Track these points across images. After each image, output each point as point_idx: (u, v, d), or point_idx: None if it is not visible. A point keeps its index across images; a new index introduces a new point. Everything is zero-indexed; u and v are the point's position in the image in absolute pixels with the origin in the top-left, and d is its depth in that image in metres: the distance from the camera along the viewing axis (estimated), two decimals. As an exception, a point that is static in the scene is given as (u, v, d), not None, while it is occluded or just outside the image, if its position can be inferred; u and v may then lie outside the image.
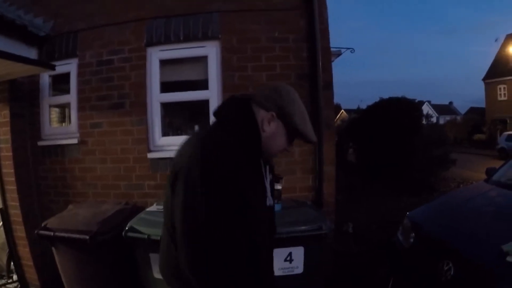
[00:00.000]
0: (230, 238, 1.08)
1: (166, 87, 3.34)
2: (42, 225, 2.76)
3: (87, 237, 2.51)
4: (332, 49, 4.15)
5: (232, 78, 3.13)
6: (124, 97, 3.29)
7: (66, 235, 2.61)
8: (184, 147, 1.18)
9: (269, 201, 1.32)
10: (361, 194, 6.56)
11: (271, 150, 1.26)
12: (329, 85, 3.17)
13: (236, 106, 1.27)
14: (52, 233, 2.65)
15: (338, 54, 7.02)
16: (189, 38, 3.21)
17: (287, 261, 2.39)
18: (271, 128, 1.22)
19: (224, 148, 1.11)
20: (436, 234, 2.60)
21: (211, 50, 3.20)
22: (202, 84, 3.26)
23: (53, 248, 2.78)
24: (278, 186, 2.59)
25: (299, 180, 3.15)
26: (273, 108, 1.21)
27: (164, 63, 3.32)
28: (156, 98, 3.28)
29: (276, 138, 1.24)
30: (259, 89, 1.34)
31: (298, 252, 2.39)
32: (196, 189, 1.06)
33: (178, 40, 3.23)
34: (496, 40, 32.07)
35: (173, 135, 3.44)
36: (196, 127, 3.54)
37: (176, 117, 3.76)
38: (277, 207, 2.53)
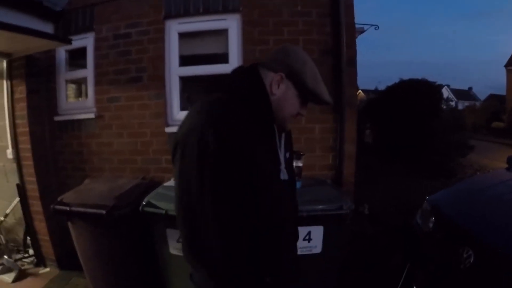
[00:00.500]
0: (235, 216, 1.02)
1: (185, 61, 3.28)
2: (58, 199, 2.74)
3: (104, 211, 2.50)
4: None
5: (253, 52, 3.05)
6: (142, 71, 3.24)
7: (82, 209, 2.59)
8: (185, 118, 1.10)
9: (283, 175, 1.22)
10: (377, 175, 6.45)
11: (283, 114, 1.18)
12: (352, 61, 3.06)
13: (241, 73, 1.21)
14: (68, 208, 2.63)
15: (361, 31, 6.78)
16: (208, 10, 3.12)
17: (306, 240, 2.35)
18: (280, 90, 1.16)
19: (227, 112, 1.04)
20: (457, 220, 2.52)
21: (231, 23, 3.11)
22: (222, 58, 3.19)
23: (69, 223, 2.77)
24: (299, 163, 2.55)
25: (318, 158, 3.10)
26: (281, 69, 1.15)
27: (183, 36, 3.25)
28: (174, 72, 3.23)
29: (287, 101, 1.17)
30: (267, 54, 1.27)
31: (318, 232, 2.35)
32: (193, 158, 0.99)
33: (197, 13, 3.15)
34: (520, 26, 30.85)
35: (191, 109, 3.35)
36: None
37: (195, 92, 3.71)
38: (297, 185, 2.44)
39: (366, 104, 9.65)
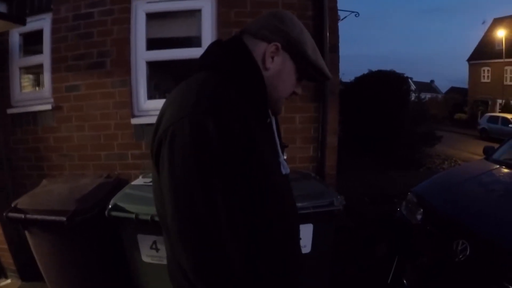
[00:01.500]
0: (248, 219, 0.82)
1: (153, 44, 2.88)
2: (12, 205, 2.30)
3: (64, 218, 2.09)
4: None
5: (228, 35, 2.64)
6: (104, 56, 2.81)
7: (39, 217, 2.17)
8: (166, 106, 0.87)
9: (284, 168, 1.00)
10: (348, 167, 6.34)
11: (278, 94, 0.96)
12: (335, 47, 2.81)
13: (222, 46, 0.95)
14: (23, 215, 2.20)
15: (339, 19, 6.55)
16: (179, -12, 2.75)
17: None
18: (275, 65, 0.93)
19: (222, 94, 0.82)
20: (449, 212, 2.40)
21: (205, 3, 2.75)
22: (194, 42, 2.84)
23: (26, 232, 2.34)
24: (284, 156, 2.25)
25: (299, 150, 2.83)
26: (276, 38, 0.91)
27: (151, 17, 2.85)
28: (141, 56, 2.83)
29: (283, 77, 0.95)
30: (252, 21, 0.99)
31: (307, 230, 2.08)
32: (187, 156, 0.75)
33: (167, -9, 2.76)
34: (483, 23, 32.35)
35: (160, 98, 2.96)
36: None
37: (164, 79, 3.30)
38: None
39: None
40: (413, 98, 9.25)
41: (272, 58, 0.92)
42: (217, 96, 0.81)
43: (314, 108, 2.82)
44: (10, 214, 2.25)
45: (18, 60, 3.07)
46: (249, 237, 0.83)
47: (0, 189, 3.03)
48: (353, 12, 6.64)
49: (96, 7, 2.80)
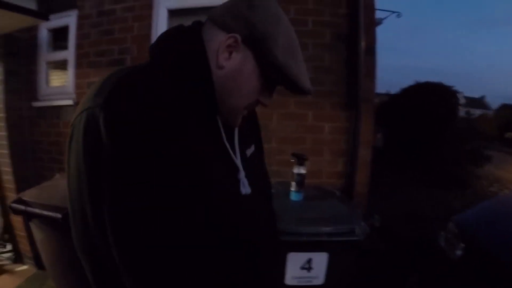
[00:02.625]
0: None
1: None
2: (17, 197, 2.20)
3: (60, 215, 1.90)
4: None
5: None
6: (125, 53, 2.64)
7: (38, 211, 2.02)
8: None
9: (244, 187, 0.76)
10: (388, 184, 5.74)
11: (233, 101, 0.71)
12: (372, 49, 2.38)
13: (175, 34, 0.72)
14: (24, 208, 2.07)
15: (379, 22, 5.97)
16: (203, -16, 2.50)
17: (305, 269, 1.72)
18: (232, 62, 0.69)
19: (138, 89, 0.60)
20: (496, 253, 1.88)
21: None
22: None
23: (30, 224, 2.21)
24: (301, 170, 1.90)
25: (326, 164, 2.43)
26: (237, 28, 0.67)
27: (173, 13, 2.62)
28: (161, 53, 2.60)
29: (240, 80, 0.70)
30: (221, 4, 0.73)
31: (320, 259, 1.71)
32: (79, 159, 0.58)
33: (190, -13, 2.53)
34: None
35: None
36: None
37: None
38: (298, 197, 1.90)
39: (378, 107, 8.90)
40: (461, 113, 8.40)
41: (230, 53, 0.68)
42: (126, 91, 0.58)
43: (345, 117, 2.42)
44: (14, 205, 2.14)
45: (45, 55, 3.02)
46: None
47: (23, 178, 3.00)
48: (394, 12, 6.00)
49: (118, 4, 2.66)
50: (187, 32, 0.71)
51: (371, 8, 2.43)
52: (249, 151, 0.84)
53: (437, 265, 2.38)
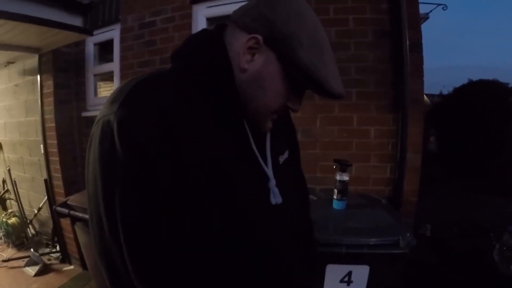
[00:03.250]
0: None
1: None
2: (64, 201, 2.35)
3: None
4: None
5: None
6: (167, 62, 2.66)
7: (81, 215, 2.13)
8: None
9: (275, 197, 0.70)
10: (442, 190, 5.35)
11: (258, 106, 0.66)
12: (417, 45, 2.19)
13: (197, 38, 0.70)
14: (67, 211, 2.20)
15: (425, 17, 5.55)
16: (240, -10, 2.49)
17: (344, 282, 1.61)
18: (255, 64, 0.64)
19: (157, 96, 0.57)
20: None
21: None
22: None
23: (75, 227, 2.33)
24: (344, 177, 1.79)
25: (373, 170, 2.26)
26: (258, 28, 0.62)
27: (211, 21, 2.64)
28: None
29: (264, 84, 0.65)
30: (242, 5, 0.68)
31: (361, 272, 1.59)
32: (95, 167, 0.56)
33: (227, -6, 2.53)
34: None
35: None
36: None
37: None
38: (340, 205, 1.80)
39: (431, 108, 8.38)
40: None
41: (252, 55, 0.64)
42: (144, 99, 0.57)
43: (392, 120, 2.25)
44: (59, 209, 2.30)
45: (92, 68, 3.18)
46: None
47: (74, 182, 3.22)
48: (440, 5, 5.60)
49: (159, 15, 2.72)
50: (209, 36, 0.68)
51: (413, 1, 2.25)
52: (282, 157, 0.80)
53: (489, 280, 2.14)
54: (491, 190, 5.63)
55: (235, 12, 0.68)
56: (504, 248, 2.12)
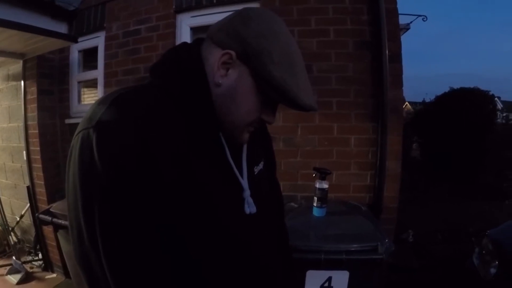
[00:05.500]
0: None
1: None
2: (47, 208, 2.32)
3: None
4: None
5: None
6: (150, 71, 2.68)
7: (64, 222, 2.09)
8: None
9: (249, 207, 0.73)
10: (424, 196, 5.42)
11: (233, 119, 0.68)
12: (397, 56, 2.24)
13: (175, 52, 0.71)
14: (50, 219, 2.15)
15: (406, 28, 5.67)
16: (223, 1, 2.50)
17: (324, 287, 1.62)
18: (229, 79, 0.66)
19: (134, 117, 0.57)
20: None
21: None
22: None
23: (58, 234, 2.30)
24: (324, 185, 1.80)
25: (353, 177, 2.29)
26: (231, 44, 0.65)
27: (195, 31, 2.64)
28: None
29: (238, 98, 0.67)
30: (218, 21, 0.72)
31: (341, 278, 1.61)
32: (75, 183, 0.57)
33: (211, 4, 2.53)
34: None
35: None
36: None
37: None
38: (320, 212, 1.82)
39: (413, 116, 8.51)
40: (500, 119, 7.87)
41: (226, 70, 0.66)
42: (123, 112, 0.57)
43: (372, 129, 2.28)
44: (41, 216, 2.27)
45: (76, 75, 3.14)
46: None
47: (56, 189, 3.15)
48: (420, 16, 5.72)
49: (143, 24, 2.71)
50: (186, 51, 0.69)
51: (394, 13, 2.30)
52: (258, 168, 0.82)
53: (469, 285, 2.17)
54: (474, 195, 5.74)
55: (211, 28, 0.70)
56: (484, 252, 2.14)
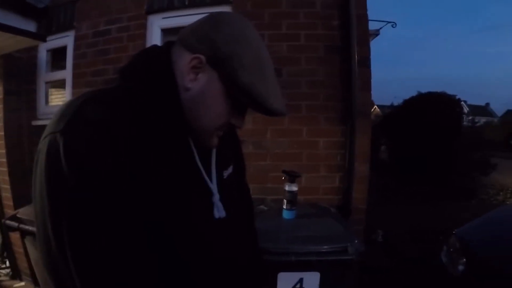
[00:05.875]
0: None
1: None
2: (13, 213, 2.21)
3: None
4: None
5: None
6: (119, 72, 2.62)
7: (31, 228, 2.00)
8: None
9: (218, 211, 0.73)
10: (393, 197, 5.56)
11: (202, 123, 0.68)
12: (366, 60, 2.30)
13: (146, 55, 0.70)
14: (17, 224, 2.06)
15: (376, 34, 5.77)
16: (195, 3, 2.48)
17: None
18: (198, 84, 0.66)
19: (100, 113, 0.57)
20: (500, 267, 1.78)
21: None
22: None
23: (25, 241, 2.20)
24: (293, 187, 1.81)
25: (322, 180, 2.32)
26: (201, 48, 0.64)
27: (166, 32, 2.61)
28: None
29: (207, 102, 0.67)
30: (188, 25, 0.72)
31: (312, 279, 1.62)
32: (42, 190, 0.55)
33: (183, 6, 2.51)
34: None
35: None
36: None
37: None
38: (290, 215, 1.82)
39: (382, 119, 8.73)
40: (466, 122, 8.20)
41: (196, 74, 0.65)
42: (97, 115, 0.56)
43: (341, 132, 2.32)
44: (8, 222, 2.16)
45: (44, 75, 3.03)
46: None
47: (22, 196, 2.94)
48: (389, 22, 5.89)
49: (114, 24, 2.65)
50: (156, 54, 0.69)
51: (364, 19, 2.36)
52: (227, 172, 0.81)
53: (438, 282, 2.25)
54: (441, 196, 5.95)
55: (182, 31, 0.70)
56: (451, 250, 2.21)
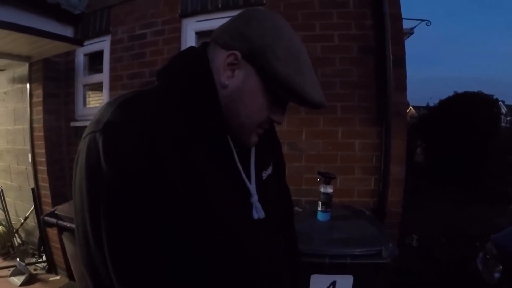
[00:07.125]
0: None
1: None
2: (52, 210, 2.32)
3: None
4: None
5: None
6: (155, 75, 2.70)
7: (69, 225, 2.11)
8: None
9: (257, 212, 0.72)
10: (428, 200, 5.40)
11: (241, 120, 0.68)
12: (400, 60, 2.26)
13: (183, 56, 0.72)
14: (56, 221, 2.17)
15: (410, 32, 5.65)
16: (228, 6, 2.52)
17: None
18: (235, 80, 0.65)
19: (141, 120, 0.57)
20: None
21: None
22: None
23: (62, 237, 2.30)
24: (328, 189, 1.81)
25: (357, 182, 2.30)
26: (236, 45, 0.65)
27: (201, 35, 2.67)
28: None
29: (245, 99, 0.66)
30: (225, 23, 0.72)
31: (345, 282, 1.61)
32: (82, 190, 0.57)
33: (216, 9, 2.56)
34: None
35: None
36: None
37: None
38: (325, 217, 1.82)
39: (417, 120, 8.48)
40: (504, 123, 7.85)
41: (233, 72, 0.65)
42: (136, 114, 0.57)
43: (376, 133, 2.30)
44: (46, 218, 2.27)
45: (82, 78, 3.18)
46: None
47: (61, 192, 3.19)
48: (423, 20, 5.72)
49: (149, 28, 2.74)
50: (193, 54, 0.70)
51: (397, 18, 2.32)
52: (266, 173, 0.80)
53: None
54: (476, 199, 5.72)
55: (215, 31, 0.70)
56: (488, 256, 2.15)
